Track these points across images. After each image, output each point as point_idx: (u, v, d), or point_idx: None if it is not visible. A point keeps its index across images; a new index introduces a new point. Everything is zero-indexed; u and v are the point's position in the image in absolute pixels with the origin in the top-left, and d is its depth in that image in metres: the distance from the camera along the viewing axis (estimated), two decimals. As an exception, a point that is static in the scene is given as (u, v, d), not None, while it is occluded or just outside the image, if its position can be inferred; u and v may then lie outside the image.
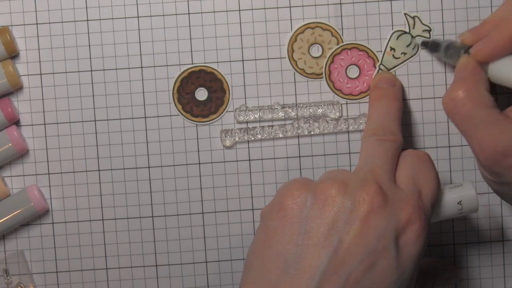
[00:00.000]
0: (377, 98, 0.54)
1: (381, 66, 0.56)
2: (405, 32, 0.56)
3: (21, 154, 0.56)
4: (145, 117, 0.56)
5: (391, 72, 0.56)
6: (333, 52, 0.56)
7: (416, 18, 0.56)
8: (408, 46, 0.56)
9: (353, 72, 0.56)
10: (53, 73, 0.56)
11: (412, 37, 0.56)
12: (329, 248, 0.45)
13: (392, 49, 0.56)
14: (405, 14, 0.56)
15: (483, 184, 0.56)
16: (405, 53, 0.56)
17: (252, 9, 0.56)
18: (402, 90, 0.56)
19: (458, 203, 0.50)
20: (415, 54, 0.56)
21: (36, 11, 0.55)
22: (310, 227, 0.46)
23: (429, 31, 0.56)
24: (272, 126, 0.56)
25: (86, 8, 0.55)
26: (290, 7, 0.56)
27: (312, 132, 0.56)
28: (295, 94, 0.56)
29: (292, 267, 0.45)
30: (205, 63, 0.56)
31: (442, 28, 0.56)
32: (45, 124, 0.56)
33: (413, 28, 0.56)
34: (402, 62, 0.56)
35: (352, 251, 0.45)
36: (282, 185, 0.49)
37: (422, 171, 0.49)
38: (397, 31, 0.56)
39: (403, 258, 0.46)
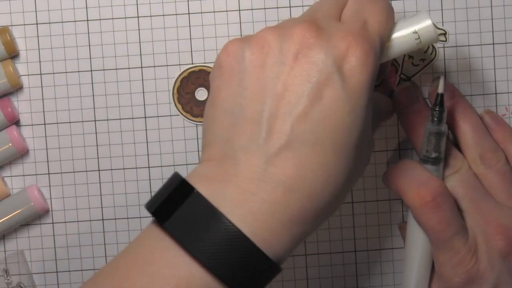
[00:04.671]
0: None
1: (402, 76, 0.55)
2: None
3: (21, 154, 0.56)
4: (145, 117, 0.56)
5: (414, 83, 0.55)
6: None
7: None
8: (425, 52, 0.55)
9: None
10: (53, 73, 0.56)
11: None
12: (271, 91, 0.45)
13: (410, 57, 0.55)
14: None
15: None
16: (423, 60, 0.55)
17: (252, 9, 0.56)
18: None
19: (413, 32, 0.48)
20: (434, 58, 0.55)
21: (36, 11, 0.55)
22: (248, 77, 0.45)
23: (445, 34, 0.55)
24: (272, 126, 0.56)
25: (86, 8, 0.55)
26: (290, 7, 0.56)
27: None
28: (295, 94, 0.56)
29: (240, 118, 0.45)
30: (205, 63, 0.56)
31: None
32: (45, 124, 0.56)
33: None
34: (422, 69, 0.55)
35: (293, 88, 0.44)
36: None
37: (369, 3, 0.48)
38: None
39: (351, 86, 0.45)
